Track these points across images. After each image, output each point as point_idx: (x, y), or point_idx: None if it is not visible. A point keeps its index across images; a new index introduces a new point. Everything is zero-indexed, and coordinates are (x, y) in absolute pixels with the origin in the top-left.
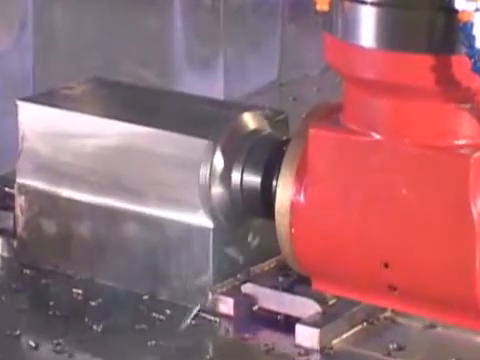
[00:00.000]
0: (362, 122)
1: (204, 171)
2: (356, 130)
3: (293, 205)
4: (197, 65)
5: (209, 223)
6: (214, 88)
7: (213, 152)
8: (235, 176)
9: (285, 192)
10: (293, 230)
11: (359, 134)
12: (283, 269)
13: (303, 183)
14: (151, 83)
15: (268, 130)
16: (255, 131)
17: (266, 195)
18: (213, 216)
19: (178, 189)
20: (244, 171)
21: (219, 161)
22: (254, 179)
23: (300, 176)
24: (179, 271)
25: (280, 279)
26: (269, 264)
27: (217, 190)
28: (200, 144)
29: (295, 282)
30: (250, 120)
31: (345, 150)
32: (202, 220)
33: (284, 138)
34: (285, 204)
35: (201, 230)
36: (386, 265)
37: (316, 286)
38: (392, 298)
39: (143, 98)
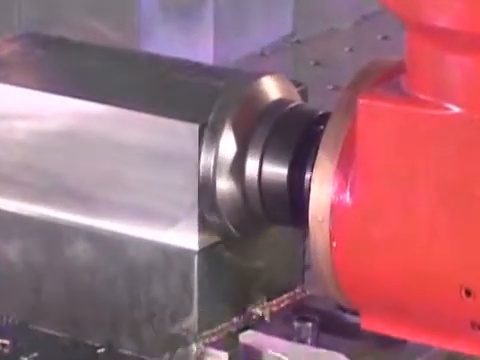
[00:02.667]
0: (434, 89)
1: (206, 162)
2: (425, 100)
3: (334, 207)
4: (175, 15)
5: (194, 243)
6: (200, 47)
7: (218, 136)
8: (251, 167)
9: (323, 189)
10: (335, 243)
11: (429, 106)
12: (300, 310)
13: (349, 176)
14: (110, 40)
15: (297, 101)
16: (278, 103)
17: (295, 193)
18: (222, 227)
19: (152, 193)
20: (263, 160)
21: (227, 147)
22: (278, 171)
23: (344, 166)
24: (150, 312)
25: (296, 324)
26: (279, 303)
27: (224, 188)
28: (194, 128)
29: (317, 329)
30: (269, 88)
31: (410, 128)
32: (185, 238)
33: (320, 112)
34: (323, 206)
35: (182, 253)
36: (468, 293)
37: (366, 324)
38: (475, 340)
39: (99, 62)
